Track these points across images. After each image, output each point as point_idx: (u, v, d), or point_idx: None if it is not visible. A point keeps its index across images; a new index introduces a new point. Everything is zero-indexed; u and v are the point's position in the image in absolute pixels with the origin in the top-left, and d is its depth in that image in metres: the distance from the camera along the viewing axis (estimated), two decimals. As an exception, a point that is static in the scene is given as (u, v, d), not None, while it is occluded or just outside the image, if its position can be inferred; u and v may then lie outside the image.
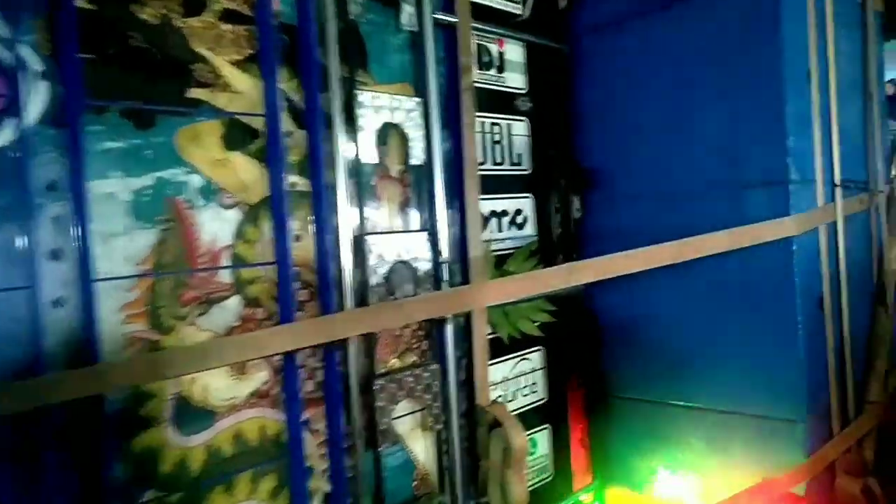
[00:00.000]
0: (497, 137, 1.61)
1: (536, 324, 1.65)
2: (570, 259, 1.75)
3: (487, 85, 1.59)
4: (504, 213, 1.62)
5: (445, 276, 1.37)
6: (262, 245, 1.15)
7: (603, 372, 1.83)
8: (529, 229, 1.69)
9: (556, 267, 1.54)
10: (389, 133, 1.33)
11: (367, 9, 1.32)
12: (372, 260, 1.25)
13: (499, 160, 1.61)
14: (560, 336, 1.74)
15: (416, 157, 1.36)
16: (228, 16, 1.11)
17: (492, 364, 1.55)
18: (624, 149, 1.77)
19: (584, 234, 1.80)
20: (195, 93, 1.07)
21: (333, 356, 1.20)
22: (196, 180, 1.07)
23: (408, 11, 1.33)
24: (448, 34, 1.44)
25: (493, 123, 1.60)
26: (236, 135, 1.11)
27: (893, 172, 2.06)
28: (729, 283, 1.58)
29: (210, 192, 1.08)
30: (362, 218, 1.27)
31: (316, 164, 1.19)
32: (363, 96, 1.26)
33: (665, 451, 1.73)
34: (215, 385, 1.09)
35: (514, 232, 1.64)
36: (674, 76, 1.66)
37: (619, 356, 1.82)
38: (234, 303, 1.11)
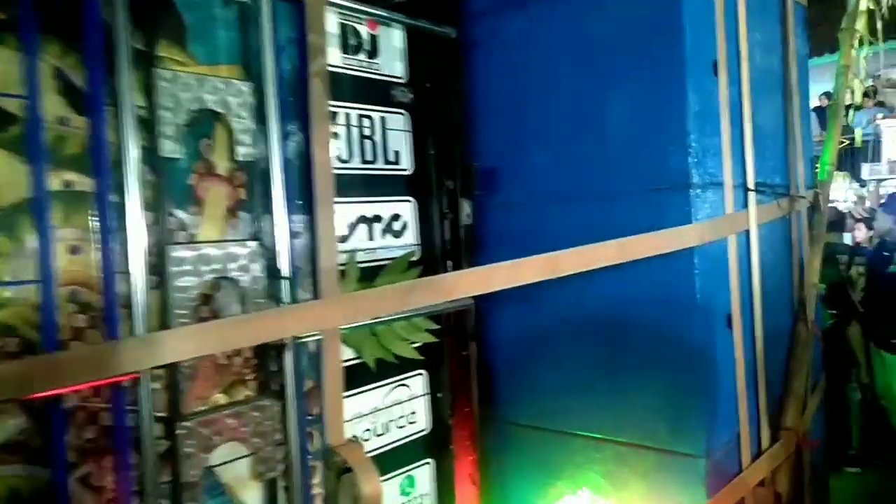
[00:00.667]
0: (367, 132, 1.40)
1: (415, 345, 1.45)
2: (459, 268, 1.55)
3: (354, 72, 1.38)
4: (376, 218, 1.41)
5: (286, 294, 1.16)
6: (21, 259, 0.91)
7: (495, 397, 1.64)
8: (409, 237, 1.48)
9: (422, 279, 1.34)
10: (213, 124, 1.11)
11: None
12: (180, 277, 1.02)
13: (369, 158, 1.40)
14: (446, 358, 1.54)
15: (248, 152, 1.14)
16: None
17: (357, 394, 1.35)
18: (522, 147, 1.58)
19: (476, 243, 1.60)
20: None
21: (121, 395, 0.98)
22: (-85, 178, 0.83)
23: (233, -20, 1.11)
24: (299, 10, 1.23)
25: (363, 116, 1.40)
26: (-24, 121, 0.88)
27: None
28: (629, 299, 1.40)
29: (-63, 193, 0.85)
30: (162, 225, 1.04)
31: (99, 158, 0.97)
32: (171, 77, 1.03)
33: (563, 484, 1.54)
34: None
35: (390, 240, 1.44)
36: (575, 65, 1.47)
37: (514, 380, 1.63)
38: (-29, 333, 0.87)
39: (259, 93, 1.16)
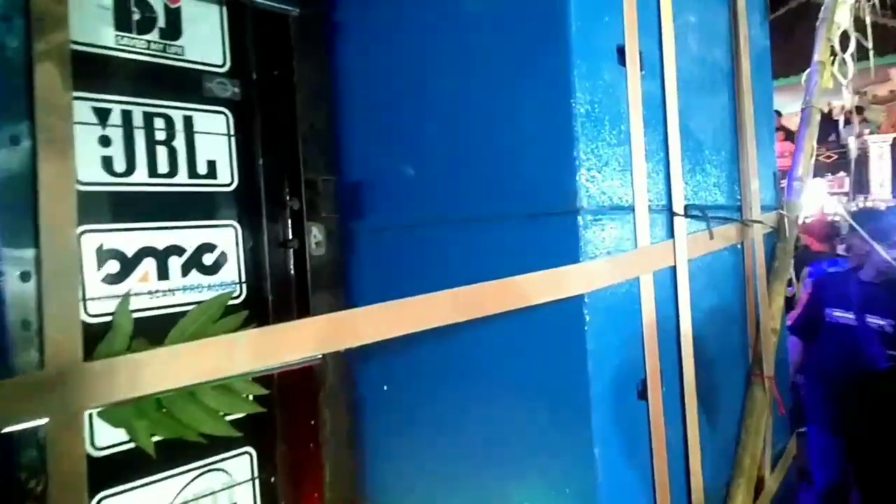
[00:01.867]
0: (161, 136, 1.06)
1: (230, 417, 1.09)
2: (305, 315, 1.20)
3: (140, 56, 1.04)
4: (175, 250, 1.06)
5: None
6: None
7: (362, 478, 1.28)
8: (229, 274, 1.13)
9: (224, 336, 0.98)
10: None
11: None
12: None
13: (164, 170, 1.06)
14: (282, 430, 1.19)
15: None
16: None
17: (137, 487, 1.00)
18: (392, 157, 1.23)
19: (333, 279, 1.25)
20: None
21: None
22: None
23: None
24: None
25: (156, 115, 1.05)
26: None
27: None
28: (505, 351, 1.05)
29: None
30: None
31: None
32: None
33: None
34: None
35: (198, 279, 1.09)
36: (450, 53, 1.13)
37: (380, 454, 1.28)
38: None
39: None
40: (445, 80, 1.14)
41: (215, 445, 1.08)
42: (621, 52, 1.04)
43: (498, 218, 1.06)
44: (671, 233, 1.14)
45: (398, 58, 1.22)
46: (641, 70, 1.08)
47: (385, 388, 1.27)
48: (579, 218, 0.95)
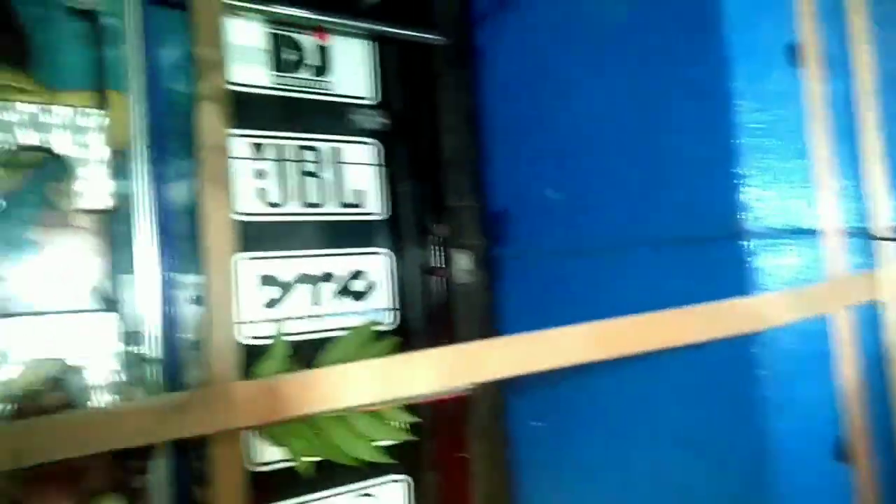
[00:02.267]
0: (311, 167, 1.10)
1: (380, 444, 1.09)
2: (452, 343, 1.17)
3: (291, 93, 1.10)
4: (325, 277, 1.10)
5: (152, 379, 0.88)
6: None
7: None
8: (379, 300, 1.15)
9: (386, 359, 0.98)
10: (66, 164, 0.88)
11: (31, -18, 0.90)
12: (-18, 362, 0.79)
13: (314, 200, 1.10)
14: (434, 460, 1.17)
15: (111, 198, 0.89)
16: None
17: (286, 507, 1.03)
18: (538, 182, 1.18)
19: (478, 307, 1.22)
20: None
21: None
22: None
23: (83, -19, 0.88)
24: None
25: (305, 147, 1.10)
26: None
27: None
28: (665, 406, 0.94)
29: None
30: None
31: None
32: (-10, 108, 0.82)
33: None
34: None
35: (349, 304, 1.11)
36: (595, 69, 1.06)
37: (531, 494, 1.21)
38: None
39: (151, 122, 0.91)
40: (590, 99, 1.07)
41: (367, 471, 1.09)
42: (792, 49, 0.90)
43: (650, 243, 0.96)
44: (869, 260, 0.96)
45: (541, 79, 1.17)
46: (822, 70, 0.93)
47: (535, 423, 1.21)
48: (745, 243, 0.82)
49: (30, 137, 0.84)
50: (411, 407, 1.09)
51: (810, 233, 0.89)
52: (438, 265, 1.20)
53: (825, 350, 0.89)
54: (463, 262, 1.20)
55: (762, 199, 0.84)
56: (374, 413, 1.06)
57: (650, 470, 0.97)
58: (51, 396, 0.86)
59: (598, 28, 1.05)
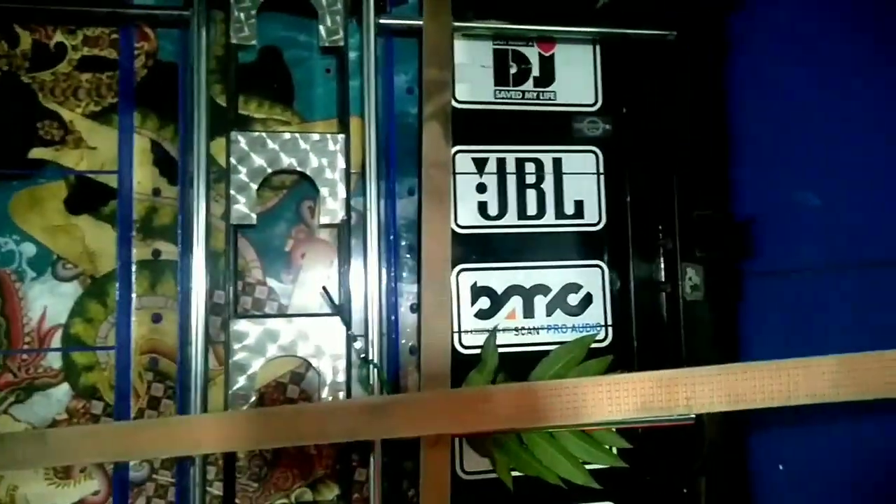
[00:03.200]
0: (532, 179, 1.10)
1: (592, 467, 1.04)
2: (674, 365, 1.07)
3: (516, 106, 1.11)
4: (541, 289, 1.08)
5: (373, 378, 0.95)
6: (109, 325, 0.96)
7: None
8: (594, 315, 1.10)
9: (586, 379, 0.93)
10: (315, 184, 1.00)
11: (289, 27, 1.04)
12: (241, 354, 0.93)
13: (533, 212, 1.09)
14: (648, 494, 1.07)
15: (344, 214, 0.99)
16: (88, 63, 0.98)
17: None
18: (789, 187, 1.03)
19: (704, 326, 1.09)
20: (38, 153, 0.96)
21: (187, 472, 0.93)
22: (29, 249, 0.95)
23: (326, 23, 0.99)
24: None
25: (527, 160, 1.10)
26: (84, 196, 0.97)
27: None
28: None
29: (45, 262, 0.95)
30: (236, 294, 0.97)
31: (184, 225, 0.96)
32: (249, 140, 0.97)
33: None
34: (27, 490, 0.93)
35: (562, 319, 1.09)
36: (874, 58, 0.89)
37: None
38: (61, 392, 0.94)
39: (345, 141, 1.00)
40: (864, 92, 0.89)
41: (575, 494, 1.05)
42: None
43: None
44: None
45: (803, 70, 1.01)
46: None
47: (781, 467, 1.05)
48: None
49: (287, 161, 0.98)
50: (624, 431, 1.02)
51: None
52: (662, 279, 1.11)
53: None
54: (692, 276, 1.09)
55: None
56: (584, 433, 1.01)
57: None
58: (292, 389, 0.99)
59: (882, 18, 0.88)
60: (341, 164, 0.99)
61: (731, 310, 1.10)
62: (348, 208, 0.99)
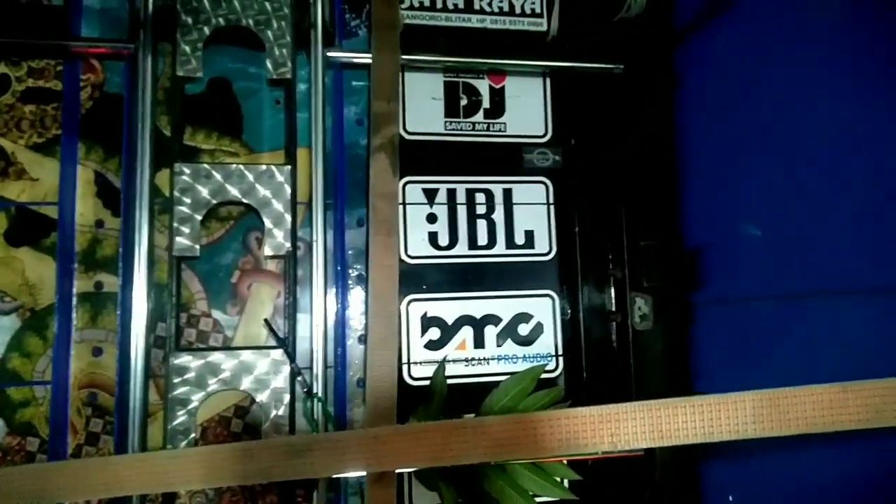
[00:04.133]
0: (482, 209, 1.11)
1: (542, 499, 1.03)
2: (625, 394, 1.08)
3: (465, 138, 1.12)
4: (491, 319, 1.08)
5: (318, 412, 0.94)
6: (48, 359, 0.94)
7: None
8: (545, 345, 1.10)
9: (541, 413, 0.93)
10: (262, 215, 0.99)
11: (238, 59, 1.04)
12: (180, 388, 0.92)
13: (483, 242, 1.10)
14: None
15: (289, 242, 0.99)
16: (32, 95, 0.98)
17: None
18: (732, 221, 1.04)
19: (654, 356, 1.09)
20: (-24, 185, 0.95)
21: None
22: (-35, 283, 0.94)
23: (275, 56, 1.00)
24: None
25: (478, 191, 1.11)
26: (24, 228, 0.95)
27: None
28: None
29: (-18, 295, 0.94)
30: (178, 326, 0.96)
31: (126, 257, 0.95)
32: (192, 171, 0.97)
33: None
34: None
35: (513, 349, 1.09)
36: (833, 93, 0.91)
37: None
38: (-6, 428, 0.92)
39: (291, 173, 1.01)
40: (809, 126, 0.91)
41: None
42: None
43: (869, 291, 0.77)
44: None
45: (749, 103, 1.03)
46: None
47: (731, 498, 1.05)
48: None
49: (232, 192, 0.97)
50: (574, 463, 1.02)
51: None
52: (612, 309, 1.11)
53: None
54: (641, 306, 1.09)
55: None
56: (536, 466, 1.00)
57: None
58: (237, 423, 0.98)
59: (823, 46, 0.90)
60: (287, 195, 0.99)
61: (681, 339, 1.11)
62: (294, 239, 0.99)
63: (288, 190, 0.99)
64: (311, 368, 0.94)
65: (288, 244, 0.98)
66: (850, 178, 0.83)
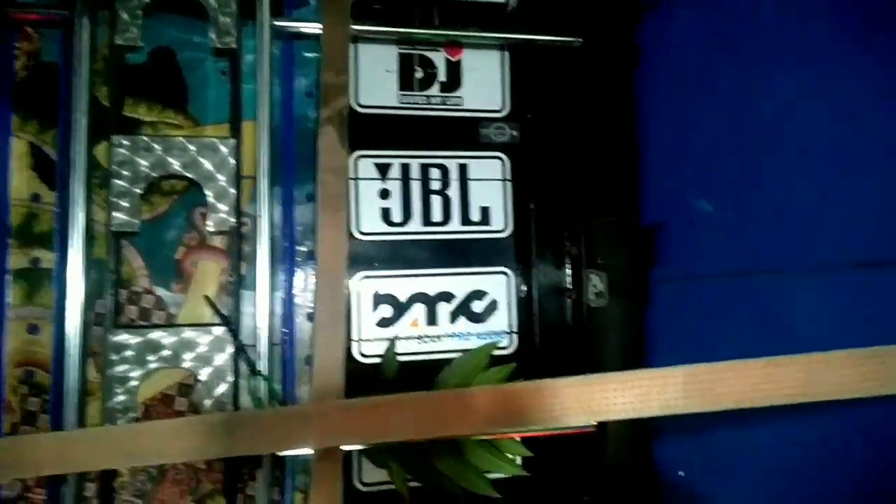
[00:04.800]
0: (437, 185, 1.08)
1: (494, 476, 1.02)
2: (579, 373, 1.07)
3: (419, 111, 1.09)
4: (445, 296, 1.07)
5: (262, 392, 0.92)
6: (-18, 337, 0.92)
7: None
8: (498, 322, 1.08)
9: (498, 387, 0.92)
10: (207, 190, 0.97)
11: (182, 28, 1.01)
12: (120, 366, 0.90)
13: (438, 218, 1.08)
14: (551, 500, 1.06)
15: (234, 217, 0.97)
16: (-38, 63, 0.94)
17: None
18: (689, 198, 1.03)
19: (608, 333, 1.09)
20: None
21: (61, 490, 0.89)
22: None
23: (219, 24, 0.97)
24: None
25: (433, 166, 1.09)
26: (-48, 202, 0.92)
27: None
28: (828, 473, 0.73)
29: (-90, 271, 0.90)
30: (117, 304, 0.93)
31: (63, 232, 0.92)
32: (130, 144, 0.93)
33: None
34: None
35: (466, 326, 1.07)
36: (787, 70, 0.90)
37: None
38: (-79, 408, 0.90)
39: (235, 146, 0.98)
40: (762, 101, 0.90)
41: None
42: None
43: (818, 268, 0.77)
44: None
45: (706, 79, 1.02)
46: None
47: (681, 473, 1.05)
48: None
49: (174, 166, 0.94)
50: (527, 440, 1.01)
51: None
52: (568, 286, 1.10)
53: None
54: (596, 283, 1.08)
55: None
56: (488, 443, 1.00)
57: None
58: (180, 402, 0.96)
59: (784, 25, 0.89)
60: (232, 168, 0.96)
61: (637, 316, 1.10)
62: (239, 214, 0.96)
63: (232, 163, 0.96)
64: (255, 346, 0.93)
65: (232, 219, 0.95)
66: (803, 156, 0.82)
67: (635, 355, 1.09)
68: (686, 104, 1.07)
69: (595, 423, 1.04)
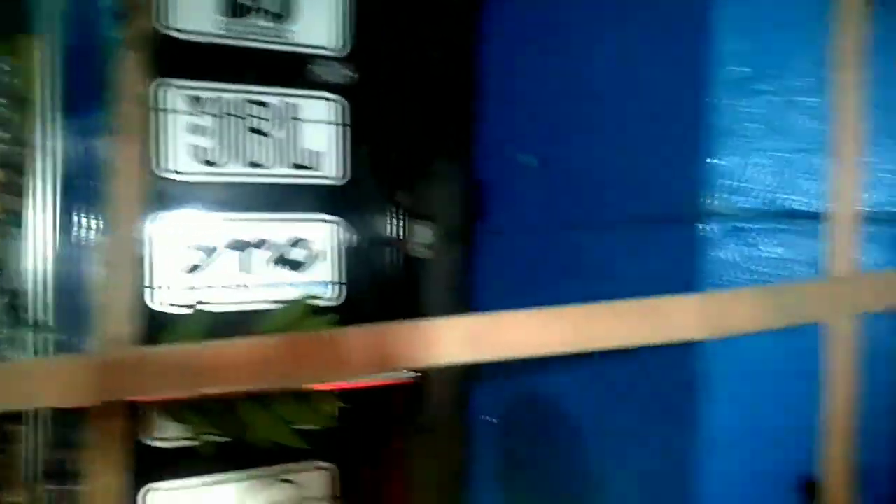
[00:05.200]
0: (259, 124, 1.01)
1: (304, 427, 0.99)
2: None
3: (245, 41, 1.00)
4: (263, 244, 1.01)
5: (38, 342, 0.83)
6: None
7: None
8: (322, 273, 1.04)
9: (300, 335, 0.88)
10: (-25, 109, 0.84)
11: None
12: None
13: (260, 160, 1.01)
14: (369, 452, 1.06)
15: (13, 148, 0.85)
16: None
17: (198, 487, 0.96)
18: (515, 155, 1.03)
19: (437, 284, 1.08)
20: None
21: None
22: None
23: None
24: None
25: (257, 103, 1.01)
26: None
27: None
28: (615, 414, 0.77)
29: None
30: None
31: None
32: None
33: None
34: None
35: (285, 275, 1.02)
36: (600, 36, 0.89)
37: (483, 494, 1.07)
38: None
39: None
40: (581, 63, 0.91)
41: (285, 456, 1.00)
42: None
43: (609, 225, 0.79)
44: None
45: (541, 37, 1.01)
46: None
47: (493, 420, 1.07)
48: (702, 226, 0.64)
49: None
50: (341, 392, 0.99)
51: (807, 217, 0.69)
52: (397, 236, 1.08)
53: (810, 370, 0.68)
54: (422, 235, 1.07)
55: (735, 172, 0.65)
56: (298, 394, 0.96)
57: (601, 478, 0.81)
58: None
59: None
60: (8, 90, 0.84)
61: (463, 267, 1.10)
62: (19, 144, 0.84)
63: (7, 84, 0.84)
64: (31, 293, 0.83)
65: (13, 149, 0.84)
66: (623, 116, 0.83)
67: (461, 307, 1.09)
68: (522, 61, 1.06)
69: (414, 374, 1.04)
